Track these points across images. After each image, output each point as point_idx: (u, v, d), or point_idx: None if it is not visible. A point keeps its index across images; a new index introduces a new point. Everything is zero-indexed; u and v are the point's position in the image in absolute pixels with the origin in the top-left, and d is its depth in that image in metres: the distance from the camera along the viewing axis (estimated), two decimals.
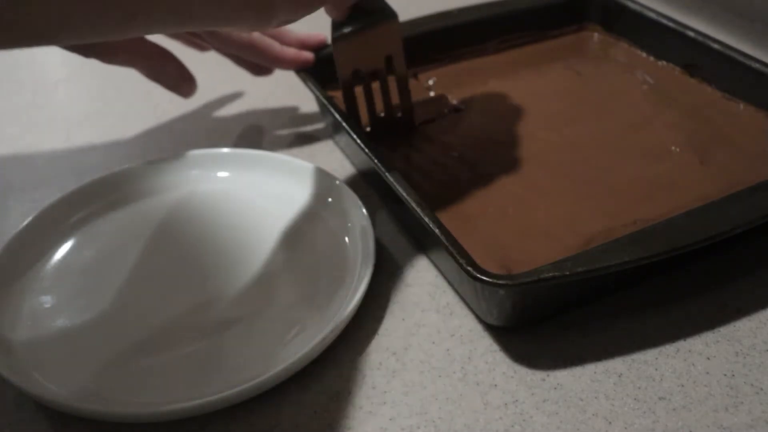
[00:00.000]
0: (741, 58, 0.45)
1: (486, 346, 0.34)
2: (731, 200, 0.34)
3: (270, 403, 0.32)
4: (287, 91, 0.55)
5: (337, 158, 0.48)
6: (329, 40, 0.41)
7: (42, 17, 0.24)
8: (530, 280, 0.30)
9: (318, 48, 0.49)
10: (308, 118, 0.53)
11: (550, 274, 0.30)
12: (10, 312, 0.35)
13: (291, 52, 0.47)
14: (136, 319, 0.35)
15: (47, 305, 0.36)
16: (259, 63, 0.47)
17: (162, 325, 0.35)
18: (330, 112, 0.43)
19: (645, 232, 0.32)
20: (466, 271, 0.31)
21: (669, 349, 0.33)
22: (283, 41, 0.48)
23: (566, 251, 0.32)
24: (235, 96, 0.56)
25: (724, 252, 0.38)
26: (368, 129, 0.45)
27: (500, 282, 0.30)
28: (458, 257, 0.31)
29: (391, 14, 0.41)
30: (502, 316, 0.34)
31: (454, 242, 0.32)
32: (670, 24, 0.50)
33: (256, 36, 0.45)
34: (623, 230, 0.34)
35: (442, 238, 0.33)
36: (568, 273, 0.30)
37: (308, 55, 0.48)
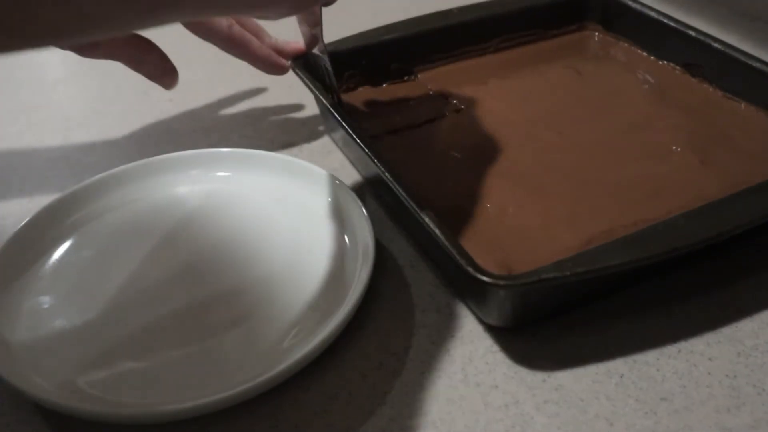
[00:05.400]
0: (742, 58, 0.45)
1: (486, 346, 0.34)
2: (732, 200, 0.34)
3: (270, 403, 0.32)
4: (287, 91, 0.55)
5: (337, 158, 0.48)
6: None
7: (57, 12, 0.21)
8: (530, 281, 0.30)
9: (293, 56, 0.48)
10: (308, 118, 0.53)
11: (551, 275, 0.30)
12: (9, 312, 0.35)
13: (268, 51, 0.47)
14: (136, 319, 0.35)
15: (46, 305, 0.36)
16: (236, 57, 0.47)
17: (162, 325, 0.35)
18: (330, 112, 0.43)
19: (645, 232, 0.32)
20: (466, 271, 0.31)
21: (670, 349, 0.33)
22: (261, 42, 0.47)
23: (566, 251, 0.32)
24: (234, 96, 0.55)
25: (725, 252, 0.38)
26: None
27: (500, 282, 0.30)
28: (458, 257, 0.31)
29: None
30: (502, 316, 0.34)
31: (454, 242, 0.32)
32: (671, 23, 0.50)
33: (236, 30, 0.45)
34: (623, 230, 0.34)
35: (442, 238, 0.32)
36: (568, 273, 0.30)
37: (283, 62, 0.47)
